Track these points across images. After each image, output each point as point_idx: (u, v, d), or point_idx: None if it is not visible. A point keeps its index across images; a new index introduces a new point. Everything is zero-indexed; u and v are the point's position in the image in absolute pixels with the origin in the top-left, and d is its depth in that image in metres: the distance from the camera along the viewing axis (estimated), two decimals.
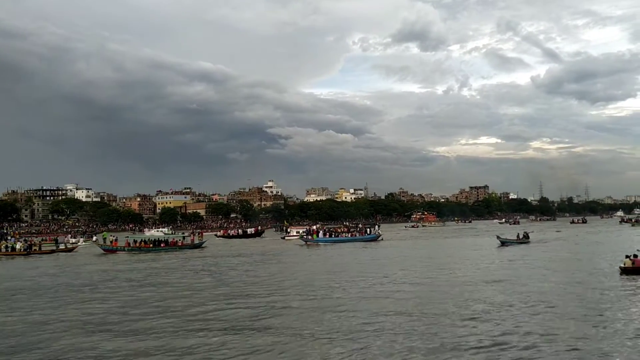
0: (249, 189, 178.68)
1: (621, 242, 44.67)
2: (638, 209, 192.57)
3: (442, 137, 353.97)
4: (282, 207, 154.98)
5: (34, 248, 45.13)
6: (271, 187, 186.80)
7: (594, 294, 18.41)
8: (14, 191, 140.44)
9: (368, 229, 62.64)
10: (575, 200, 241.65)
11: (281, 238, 64.16)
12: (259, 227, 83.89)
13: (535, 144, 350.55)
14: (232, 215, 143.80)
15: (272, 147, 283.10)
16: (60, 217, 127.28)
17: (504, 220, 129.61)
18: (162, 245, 45.64)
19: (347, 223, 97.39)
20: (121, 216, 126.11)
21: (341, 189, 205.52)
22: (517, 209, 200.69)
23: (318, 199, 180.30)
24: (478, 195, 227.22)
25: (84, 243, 55.27)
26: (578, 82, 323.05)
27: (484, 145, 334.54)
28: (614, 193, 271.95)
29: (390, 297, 18.77)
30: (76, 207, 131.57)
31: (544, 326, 13.65)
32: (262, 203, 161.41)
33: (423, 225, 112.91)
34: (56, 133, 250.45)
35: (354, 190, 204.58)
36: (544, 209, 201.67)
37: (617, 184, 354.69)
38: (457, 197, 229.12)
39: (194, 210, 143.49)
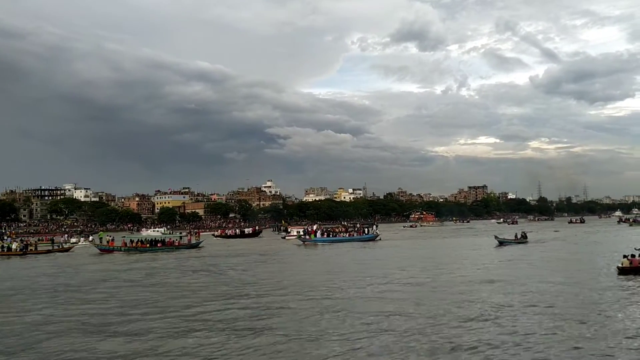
0: (248, 189, 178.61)
1: (619, 242, 44.61)
2: (636, 209, 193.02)
3: (440, 137, 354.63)
4: (281, 207, 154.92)
5: (30, 248, 44.92)
6: (270, 187, 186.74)
7: (592, 294, 18.35)
8: (12, 191, 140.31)
9: (366, 229, 62.53)
10: (574, 200, 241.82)
11: (281, 238, 64.02)
12: (257, 227, 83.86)
13: (534, 143, 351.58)
14: (230, 215, 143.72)
15: (271, 147, 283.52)
16: (58, 217, 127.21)
17: (502, 220, 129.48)
18: (158, 245, 45.45)
19: (345, 223, 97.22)
20: (120, 216, 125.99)
21: (340, 188, 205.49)
22: (515, 208, 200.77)
23: (317, 198, 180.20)
24: (477, 195, 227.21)
25: (84, 242, 55.06)
26: (576, 82, 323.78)
27: (483, 145, 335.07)
28: (612, 193, 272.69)
29: (387, 297, 18.67)
30: (74, 207, 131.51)
31: (542, 326, 13.60)
32: (261, 203, 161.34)
33: (421, 225, 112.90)
34: (54, 133, 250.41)
35: (353, 190, 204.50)
36: (543, 209, 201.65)
37: (616, 184, 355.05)
38: (455, 197, 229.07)
39: (193, 210, 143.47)
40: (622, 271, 23.12)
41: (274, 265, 32.74)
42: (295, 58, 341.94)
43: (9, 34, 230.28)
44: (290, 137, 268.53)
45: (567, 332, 13.00)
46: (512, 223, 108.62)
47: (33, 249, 44.97)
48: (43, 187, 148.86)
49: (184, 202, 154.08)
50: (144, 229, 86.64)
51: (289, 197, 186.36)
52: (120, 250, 43.55)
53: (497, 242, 45.54)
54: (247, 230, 77.29)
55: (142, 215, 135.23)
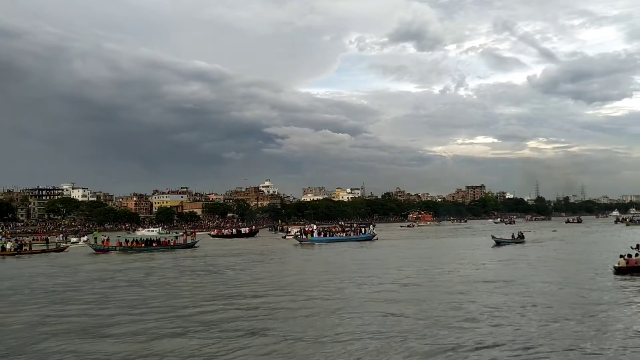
0: (246, 189, 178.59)
1: (616, 242, 44.58)
2: (634, 209, 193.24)
3: (438, 137, 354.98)
4: (279, 206, 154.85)
5: (24, 248, 44.85)
6: (268, 186, 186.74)
7: (590, 294, 18.33)
8: (9, 190, 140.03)
9: (363, 229, 62.48)
10: (572, 200, 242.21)
11: (282, 237, 63.84)
12: (253, 227, 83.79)
13: (532, 143, 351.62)
14: (228, 215, 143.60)
15: (269, 146, 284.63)
16: (56, 217, 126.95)
17: (499, 219, 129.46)
18: (154, 245, 45.32)
19: (342, 223, 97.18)
20: (117, 216, 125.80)
21: (338, 188, 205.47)
22: (513, 208, 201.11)
23: (315, 198, 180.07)
24: (474, 195, 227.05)
25: (82, 242, 54.88)
26: (574, 82, 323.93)
27: (481, 144, 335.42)
28: (610, 193, 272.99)
29: (384, 297, 18.59)
30: (72, 207, 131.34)
31: (540, 327, 13.58)
32: (259, 203, 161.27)
33: (419, 225, 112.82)
34: (52, 132, 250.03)
35: (351, 189, 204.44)
36: (541, 209, 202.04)
37: (613, 184, 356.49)
38: (453, 197, 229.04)
39: (191, 210, 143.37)
40: (619, 271, 23.12)
41: (270, 265, 32.67)
42: (294, 58, 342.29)
43: (7, 33, 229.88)
44: (288, 137, 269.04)
45: (566, 332, 12.97)
46: (510, 223, 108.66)
47: (27, 249, 44.89)
48: (40, 187, 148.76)
49: (181, 202, 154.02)
50: (140, 229, 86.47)
51: (287, 197, 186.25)
52: (115, 250, 43.42)
53: (494, 242, 45.46)
54: (244, 230, 77.14)
55: (140, 215, 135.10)
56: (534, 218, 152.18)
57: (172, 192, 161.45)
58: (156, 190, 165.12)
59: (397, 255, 37.97)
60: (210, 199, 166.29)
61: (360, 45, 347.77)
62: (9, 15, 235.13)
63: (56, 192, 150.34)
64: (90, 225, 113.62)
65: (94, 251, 43.36)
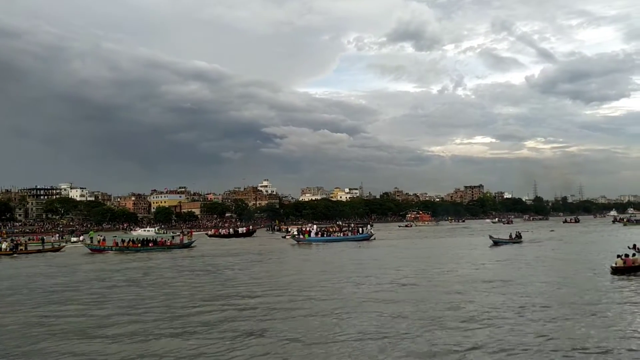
0: (244, 189, 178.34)
1: (613, 242, 44.63)
2: (631, 209, 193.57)
3: (437, 137, 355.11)
4: (277, 206, 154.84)
5: (20, 248, 44.69)
6: (266, 186, 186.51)
7: (588, 294, 18.31)
8: (7, 190, 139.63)
9: (360, 229, 62.47)
10: (570, 200, 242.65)
11: (282, 237, 63.75)
12: (250, 227, 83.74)
13: (530, 143, 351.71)
14: (227, 215, 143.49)
15: (267, 146, 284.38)
16: (54, 217, 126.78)
17: (496, 219, 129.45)
18: (150, 245, 45.21)
19: (340, 222, 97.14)
20: (115, 215, 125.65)
21: (336, 188, 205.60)
22: (511, 208, 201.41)
23: (313, 198, 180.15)
24: (473, 195, 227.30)
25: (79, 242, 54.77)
26: (572, 82, 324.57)
27: (479, 144, 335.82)
28: (607, 192, 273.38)
29: (381, 298, 18.51)
30: (70, 207, 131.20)
31: (538, 327, 13.58)
32: (257, 202, 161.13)
33: (416, 225, 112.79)
34: (51, 132, 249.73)
35: (349, 189, 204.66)
36: (539, 209, 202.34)
37: (611, 184, 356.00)
38: (452, 197, 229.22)
39: (189, 210, 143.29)
40: (616, 271, 23.13)
41: (267, 265, 32.61)
42: (292, 57, 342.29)
43: (6, 33, 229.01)
44: (287, 137, 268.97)
45: (564, 333, 12.95)
46: (508, 223, 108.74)
47: (23, 249, 44.75)
48: (39, 187, 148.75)
49: (180, 202, 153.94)
50: (138, 228, 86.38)
51: (286, 197, 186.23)
52: (112, 250, 43.32)
53: (491, 242, 45.45)
54: (241, 230, 77.07)
55: (138, 215, 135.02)
56: (531, 218, 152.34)
57: (171, 192, 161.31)
58: (154, 190, 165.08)
59: (395, 255, 37.95)
60: (209, 199, 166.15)
61: (359, 45, 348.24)
62: (8, 15, 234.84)
63: (54, 191, 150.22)
64: (89, 225, 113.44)
65: (89, 251, 43.25)
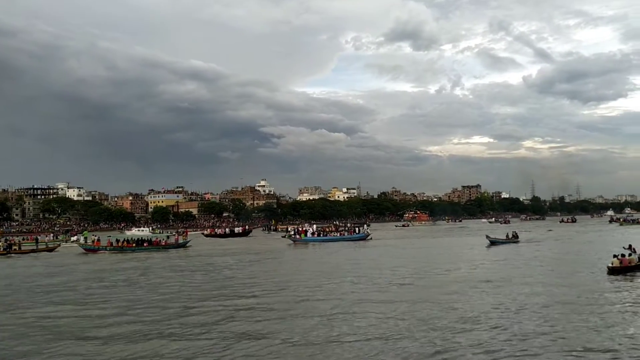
0: (242, 188, 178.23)
1: (609, 242, 44.67)
2: (629, 209, 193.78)
3: (434, 137, 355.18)
4: (275, 206, 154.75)
5: (13, 247, 44.50)
6: (264, 186, 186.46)
7: (585, 295, 18.32)
8: (4, 190, 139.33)
9: (357, 228, 62.40)
10: (567, 200, 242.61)
11: (282, 237, 63.53)
12: (247, 227, 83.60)
13: (527, 143, 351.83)
14: (224, 215, 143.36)
15: (265, 146, 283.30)
16: (51, 216, 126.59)
17: (493, 219, 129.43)
18: (145, 245, 45.07)
19: (336, 222, 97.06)
20: (113, 215, 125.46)
21: (334, 188, 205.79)
22: (509, 208, 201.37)
23: (311, 198, 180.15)
24: (470, 195, 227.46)
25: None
26: (570, 82, 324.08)
27: (476, 144, 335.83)
28: (605, 192, 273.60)
29: (377, 299, 18.40)
30: (67, 206, 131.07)
31: (536, 327, 13.55)
32: (255, 202, 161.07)
33: (413, 225, 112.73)
34: (47, 131, 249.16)
35: (347, 189, 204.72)
36: (536, 208, 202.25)
37: (608, 184, 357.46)
38: (449, 197, 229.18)
39: (186, 210, 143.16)
40: (613, 271, 23.17)
41: (263, 265, 32.44)
42: (289, 57, 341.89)
43: (2, 31, 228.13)
44: (284, 137, 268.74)
45: (562, 333, 12.92)
46: (505, 222, 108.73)
47: (17, 249, 44.56)
48: (35, 186, 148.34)
49: (177, 202, 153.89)
50: (134, 228, 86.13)
51: (283, 197, 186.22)
52: (106, 250, 43.17)
53: (488, 242, 45.41)
54: (237, 230, 76.94)
55: (136, 215, 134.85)
56: (528, 218, 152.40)
57: (168, 192, 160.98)
58: (152, 190, 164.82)
59: (391, 255, 37.91)
60: (206, 199, 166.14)
61: (357, 45, 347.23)
62: (3, 14, 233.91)
63: (51, 191, 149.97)
64: (86, 225, 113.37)
65: (84, 251, 43.10)
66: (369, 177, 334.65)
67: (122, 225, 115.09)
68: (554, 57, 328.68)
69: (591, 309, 15.70)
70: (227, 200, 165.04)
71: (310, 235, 56.07)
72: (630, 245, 28.41)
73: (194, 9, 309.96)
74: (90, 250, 43.12)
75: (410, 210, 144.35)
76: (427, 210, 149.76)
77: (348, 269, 28.33)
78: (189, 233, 65.23)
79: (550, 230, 71.63)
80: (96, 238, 45.84)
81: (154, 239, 47.20)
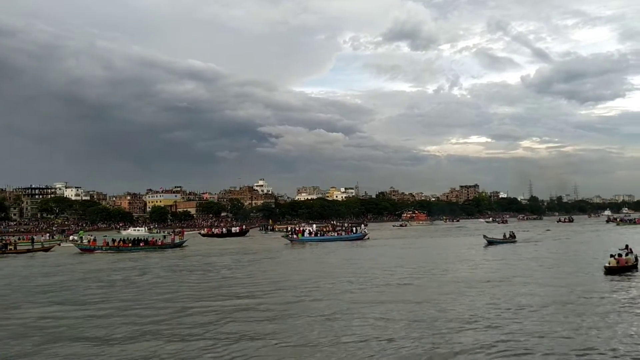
0: (240, 188, 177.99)
1: (606, 241, 44.71)
2: (626, 208, 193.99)
3: (432, 136, 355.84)
4: (273, 206, 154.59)
5: (9, 247, 44.40)
6: (262, 185, 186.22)
7: (582, 295, 18.28)
8: (2, 189, 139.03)
9: (354, 228, 62.38)
10: (565, 200, 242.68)
11: (281, 237, 63.52)
12: (244, 226, 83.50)
13: (525, 143, 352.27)
14: (222, 214, 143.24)
15: (263, 145, 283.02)
16: (49, 216, 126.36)
17: (491, 219, 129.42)
18: (141, 244, 44.96)
19: (334, 222, 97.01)
20: (111, 215, 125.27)
21: (332, 187, 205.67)
22: (507, 208, 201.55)
23: (309, 197, 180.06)
24: (468, 194, 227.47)
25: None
26: (567, 82, 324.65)
27: (474, 144, 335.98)
28: (602, 192, 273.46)
29: (374, 299, 18.29)
30: (65, 206, 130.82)
31: (533, 328, 13.50)
32: (253, 202, 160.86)
33: (411, 225, 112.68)
34: (45, 131, 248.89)
35: (345, 189, 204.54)
36: (534, 208, 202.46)
37: (606, 184, 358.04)
38: (447, 196, 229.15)
39: (185, 209, 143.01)
40: (609, 271, 23.16)
41: (259, 265, 32.27)
42: (288, 57, 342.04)
43: (1, 31, 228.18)
44: (282, 136, 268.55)
45: (557, 333, 12.90)
46: (502, 222, 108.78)
47: (12, 248, 44.43)
48: (33, 186, 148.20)
49: (175, 201, 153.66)
50: (130, 228, 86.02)
51: (281, 196, 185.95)
52: (102, 250, 43.06)
53: (485, 242, 45.39)
54: (234, 230, 76.88)
55: (134, 214, 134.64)
56: (526, 218, 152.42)
57: (166, 192, 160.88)
58: (150, 190, 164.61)
59: (388, 255, 37.83)
60: (204, 198, 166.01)
61: (355, 45, 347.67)
62: (3, 14, 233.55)
63: (49, 191, 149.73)
64: (84, 225, 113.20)
65: (79, 251, 42.99)
66: (367, 177, 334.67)
67: (120, 225, 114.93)
68: (552, 57, 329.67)
69: (589, 309, 15.69)
70: (225, 200, 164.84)
71: (308, 235, 56.05)
72: (627, 246, 28.40)
73: (193, 9, 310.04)
74: (86, 250, 42.98)
75: (408, 210, 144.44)
76: (425, 210, 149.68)
77: (345, 269, 28.27)
78: (185, 233, 64.94)
79: (548, 230, 71.68)
80: (92, 238, 45.69)
81: (150, 239, 47.05)
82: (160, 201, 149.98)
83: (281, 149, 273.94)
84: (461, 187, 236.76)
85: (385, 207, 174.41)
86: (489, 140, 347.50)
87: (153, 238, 47.82)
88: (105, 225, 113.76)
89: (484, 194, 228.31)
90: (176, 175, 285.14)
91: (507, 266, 28.34)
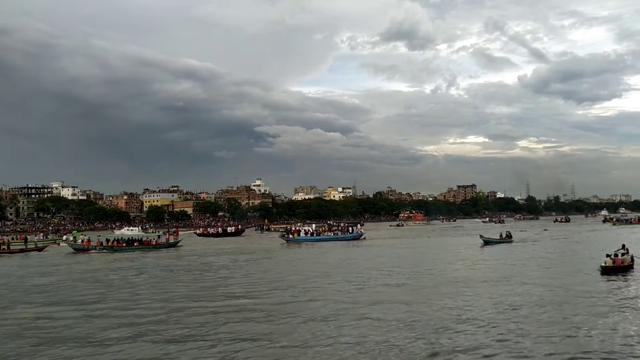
0: (237, 188, 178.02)
1: (602, 241, 44.63)
2: (623, 208, 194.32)
3: (430, 136, 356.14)
4: (270, 205, 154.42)
5: (2, 247, 44.13)
6: (259, 185, 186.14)
7: (579, 294, 18.25)
8: None
9: (350, 228, 62.22)
10: (562, 199, 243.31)
11: (279, 237, 63.37)
12: (239, 226, 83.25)
13: (522, 143, 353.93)
14: (219, 214, 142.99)
15: (260, 145, 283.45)
16: (45, 216, 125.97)
17: (488, 219, 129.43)
18: (135, 244, 44.69)
19: (330, 222, 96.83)
20: (107, 214, 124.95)
21: (329, 187, 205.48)
22: (504, 207, 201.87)
23: (306, 197, 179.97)
24: (465, 194, 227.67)
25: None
26: (564, 82, 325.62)
27: (472, 144, 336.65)
28: (599, 192, 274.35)
29: (371, 299, 18.15)
30: (62, 206, 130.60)
31: (529, 328, 13.43)
32: (250, 202, 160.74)
33: (408, 225, 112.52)
34: (41, 130, 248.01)
35: (342, 188, 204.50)
36: (531, 208, 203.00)
37: (603, 184, 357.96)
38: (445, 196, 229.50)
39: (182, 209, 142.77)
40: (605, 270, 23.15)
41: (255, 265, 32.10)
42: (285, 56, 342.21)
43: None
44: (280, 136, 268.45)
45: (557, 333, 12.84)
46: (499, 222, 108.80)
47: (6, 248, 44.19)
48: (30, 185, 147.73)
49: (172, 201, 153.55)
50: (124, 228, 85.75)
51: (279, 196, 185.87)
52: (95, 250, 42.76)
53: (482, 242, 45.31)
54: (230, 229, 76.64)
55: (131, 214, 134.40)
56: (522, 217, 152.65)
57: (163, 191, 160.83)
58: (147, 189, 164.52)
59: (384, 255, 37.70)
60: (201, 198, 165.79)
61: (352, 44, 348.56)
62: (3, 14, 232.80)
63: (45, 190, 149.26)
64: (80, 224, 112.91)
65: (73, 251, 42.72)
66: (364, 177, 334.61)
67: (117, 224, 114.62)
68: (549, 57, 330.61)
69: (585, 309, 15.65)
70: (222, 199, 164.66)
71: (304, 235, 55.86)
72: (623, 245, 28.28)
73: (189, 7, 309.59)
74: (80, 250, 42.70)
75: (406, 210, 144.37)
76: (423, 209, 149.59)
77: (341, 269, 28.14)
78: (180, 232, 64.59)
79: (545, 229, 71.70)
80: (86, 238, 45.41)
81: (144, 239, 46.77)
82: (157, 201, 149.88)
83: (278, 148, 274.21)
84: (458, 187, 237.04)
85: (383, 207, 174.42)
86: (486, 140, 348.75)
87: (147, 238, 47.53)
88: (102, 225, 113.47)
89: (481, 194, 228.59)
90: (173, 175, 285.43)
91: (504, 266, 28.32)
